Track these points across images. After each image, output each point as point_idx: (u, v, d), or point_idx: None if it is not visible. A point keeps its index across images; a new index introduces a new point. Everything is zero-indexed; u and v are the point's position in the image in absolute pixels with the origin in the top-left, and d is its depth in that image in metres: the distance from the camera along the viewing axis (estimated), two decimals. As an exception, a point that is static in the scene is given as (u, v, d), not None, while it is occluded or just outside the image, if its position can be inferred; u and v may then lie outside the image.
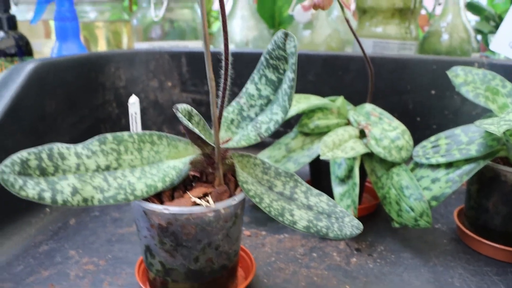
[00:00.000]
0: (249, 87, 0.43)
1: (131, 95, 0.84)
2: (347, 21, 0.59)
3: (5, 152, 0.51)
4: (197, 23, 1.04)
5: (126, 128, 0.81)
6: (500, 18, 1.15)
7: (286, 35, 0.38)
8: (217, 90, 0.40)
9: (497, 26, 1.13)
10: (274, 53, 0.40)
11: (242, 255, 0.50)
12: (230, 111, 0.44)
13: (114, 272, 0.49)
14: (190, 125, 0.38)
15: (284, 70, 0.40)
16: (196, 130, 0.38)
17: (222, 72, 0.39)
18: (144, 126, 0.86)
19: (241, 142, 0.40)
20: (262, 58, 0.41)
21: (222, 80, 0.40)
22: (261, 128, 0.40)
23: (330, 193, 0.55)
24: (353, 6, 1.07)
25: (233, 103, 0.44)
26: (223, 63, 0.39)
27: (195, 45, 1.00)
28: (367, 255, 0.54)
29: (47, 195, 0.33)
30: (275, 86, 0.41)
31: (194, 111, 0.41)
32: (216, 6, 1.40)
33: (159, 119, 0.88)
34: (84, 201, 0.35)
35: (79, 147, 0.38)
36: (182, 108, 0.39)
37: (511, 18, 0.59)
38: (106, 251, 0.53)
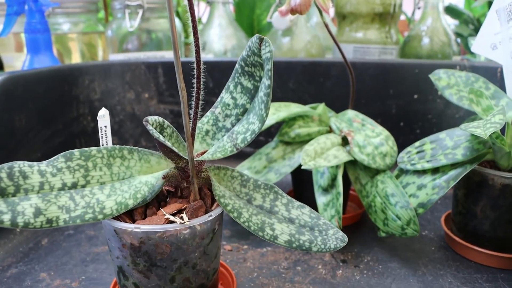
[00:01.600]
0: (225, 96, 0.41)
1: (107, 108, 0.82)
2: (326, 25, 0.57)
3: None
4: (174, 32, 1.02)
5: (102, 142, 0.78)
6: (479, 21, 1.15)
7: (261, 40, 0.36)
8: (191, 100, 0.38)
9: (476, 29, 1.13)
10: (249, 59, 0.38)
11: (223, 272, 0.47)
12: (205, 122, 0.41)
13: (88, 295, 0.46)
14: (161, 138, 0.36)
15: (260, 77, 0.38)
16: (168, 143, 0.36)
17: (195, 82, 0.37)
18: (121, 139, 0.83)
19: (216, 154, 0.37)
20: (237, 66, 0.39)
21: (195, 90, 0.37)
22: (237, 139, 0.37)
23: (313, 203, 0.54)
24: (332, 12, 1.06)
25: (208, 113, 0.42)
26: (195, 72, 0.37)
27: (172, 55, 0.97)
28: (353, 266, 0.52)
29: (6, 218, 0.31)
30: (251, 94, 0.39)
31: (166, 123, 0.39)
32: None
33: (137, 131, 0.85)
34: (48, 222, 0.33)
35: (43, 165, 0.35)
36: (153, 120, 0.37)
37: (491, 20, 0.58)
38: (80, 272, 0.50)
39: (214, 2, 0.97)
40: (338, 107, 0.67)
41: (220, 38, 0.95)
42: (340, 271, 0.51)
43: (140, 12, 0.87)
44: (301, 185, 0.64)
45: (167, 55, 0.95)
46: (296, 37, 0.89)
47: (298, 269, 0.51)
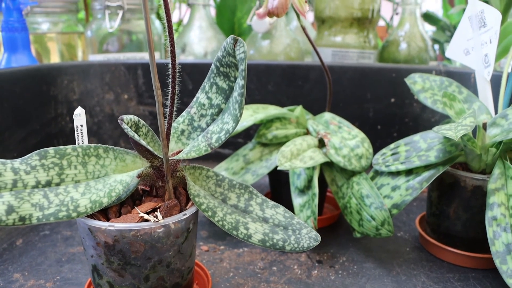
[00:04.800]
0: (200, 96, 0.41)
1: (86, 109, 0.81)
2: (303, 28, 0.58)
3: None
4: (154, 34, 1.02)
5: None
6: (455, 28, 1.17)
7: (235, 40, 0.37)
8: (167, 100, 0.38)
9: (452, 36, 1.15)
10: (224, 60, 0.38)
11: (198, 272, 0.47)
12: (180, 122, 0.42)
13: (62, 295, 0.46)
14: (136, 137, 0.36)
15: (235, 78, 0.38)
16: (143, 142, 0.36)
17: (170, 81, 0.37)
18: (100, 140, 0.83)
19: (191, 153, 0.38)
20: (213, 66, 0.39)
21: (170, 89, 0.38)
22: (212, 138, 0.38)
23: (290, 205, 0.54)
24: (311, 16, 1.07)
25: (184, 113, 0.42)
26: (170, 71, 0.37)
27: (153, 56, 0.97)
28: (328, 266, 0.52)
29: (-24, 215, 0.30)
30: (226, 94, 0.40)
31: (142, 122, 0.39)
32: (175, 18, 1.38)
33: (116, 132, 0.85)
34: (21, 220, 0.33)
35: (17, 162, 0.35)
36: (128, 119, 0.37)
37: (464, 26, 0.59)
38: (55, 272, 0.50)
39: (195, 4, 0.97)
40: (316, 110, 0.67)
41: (201, 41, 0.96)
42: (316, 271, 0.51)
43: (120, 13, 0.87)
44: (278, 187, 0.64)
45: (147, 56, 0.94)
46: (276, 40, 0.90)
47: (274, 269, 0.51)
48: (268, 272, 0.51)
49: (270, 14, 0.55)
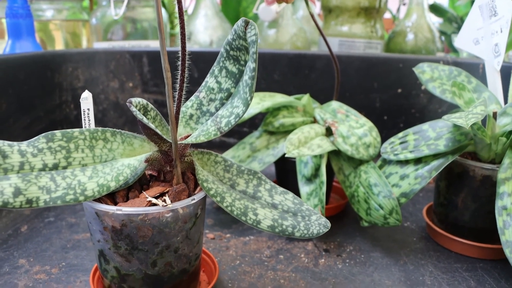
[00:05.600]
0: (209, 80, 0.41)
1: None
2: (312, 16, 0.57)
3: None
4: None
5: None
6: (462, 20, 1.16)
7: (246, 23, 0.36)
8: (175, 83, 0.38)
9: (459, 28, 1.14)
10: (234, 43, 0.37)
11: (205, 259, 0.47)
12: (189, 106, 0.41)
13: (68, 281, 0.46)
14: (144, 119, 0.35)
15: (245, 61, 0.38)
16: (152, 125, 0.36)
17: (180, 64, 0.37)
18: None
19: (200, 137, 0.37)
20: (222, 50, 0.39)
21: (180, 72, 0.37)
22: (221, 122, 0.37)
23: (296, 193, 0.54)
24: (318, 5, 1.06)
25: (192, 97, 0.41)
26: (180, 54, 0.36)
27: (157, 44, 0.96)
28: (335, 255, 0.52)
29: (-16, 196, 0.30)
30: (236, 78, 0.39)
31: (150, 105, 0.38)
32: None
33: (120, 120, 0.85)
34: (28, 202, 0.32)
35: (24, 145, 0.35)
36: (136, 102, 0.37)
37: (474, 16, 0.58)
38: (60, 258, 0.50)
39: (200, -7, 0.96)
40: (322, 99, 0.67)
41: (206, 29, 0.95)
42: (323, 260, 0.51)
43: (126, 0, 0.86)
44: (285, 175, 0.64)
45: (152, 44, 0.94)
46: (282, 29, 0.89)
47: (280, 257, 0.51)
48: (274, 260, 0.50)
49: (279, 0, 0.55)
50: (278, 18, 0.88)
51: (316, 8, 1.20)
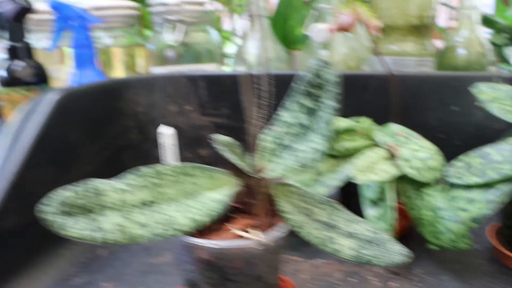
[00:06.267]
0: (284, 114, 0.43)
1: (151, 120, 0.84)
2: (372, 41, 0.59)
3: (37, 186, 0.51)
4: (211, 45, 1.04)
5: (149, 154, 0.81)
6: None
7: (324, 62, 0.38)
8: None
9: (510, 38, 1.13)
10: (311, 80, 0.39)
11: (281, 284, 0.49)
12: (267, 140, 0.43)
13: (152, 305, 0.48)
14: (233, 158, 0.37)
15: (323, 98, 0.39)
16: (241, 163, 0.38)
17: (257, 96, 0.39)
18: (165, 151, 0.86)
19: (283, 172, 0.39)
20: (298, 85, 0.41)
21: (261, 106, 0.39)
22: (304, 158, 0.39)
23: (360, 216, 0.55)
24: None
25: (269, 130, 0.43)
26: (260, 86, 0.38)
27: (212, 68, 1.00)
28: (405, 278, 0.53)
29: (98, 236, 0.33)
30: (310, 113, 0.41)
31: (234, 142, 0.41)
32: (226, 26, 1.40)
33: (180, 143, 0.87)
34: (131, 239, 0.35)
35: (119, 182, 0.37)
36: (222, 140, 0.39)
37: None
38: (141, 283, 0.53)
39: (253, 16, 0.99)
40: (376, 119, 0.68)
41: (259, 51, 0.97)
42: (393, 283, 0.52)
43: (184, 27, 0.90)
44: (347, 197, 0.65)
45: (207, 68, 0.97)
46: (334, 50, 0.91)
47: (352, 280, 0.52)
48: (347, 284, 0.52)
49: (340, 29, 0.57)
50: (330, 39, 0.90)
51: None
